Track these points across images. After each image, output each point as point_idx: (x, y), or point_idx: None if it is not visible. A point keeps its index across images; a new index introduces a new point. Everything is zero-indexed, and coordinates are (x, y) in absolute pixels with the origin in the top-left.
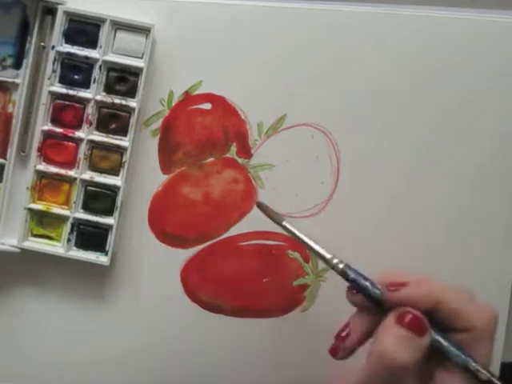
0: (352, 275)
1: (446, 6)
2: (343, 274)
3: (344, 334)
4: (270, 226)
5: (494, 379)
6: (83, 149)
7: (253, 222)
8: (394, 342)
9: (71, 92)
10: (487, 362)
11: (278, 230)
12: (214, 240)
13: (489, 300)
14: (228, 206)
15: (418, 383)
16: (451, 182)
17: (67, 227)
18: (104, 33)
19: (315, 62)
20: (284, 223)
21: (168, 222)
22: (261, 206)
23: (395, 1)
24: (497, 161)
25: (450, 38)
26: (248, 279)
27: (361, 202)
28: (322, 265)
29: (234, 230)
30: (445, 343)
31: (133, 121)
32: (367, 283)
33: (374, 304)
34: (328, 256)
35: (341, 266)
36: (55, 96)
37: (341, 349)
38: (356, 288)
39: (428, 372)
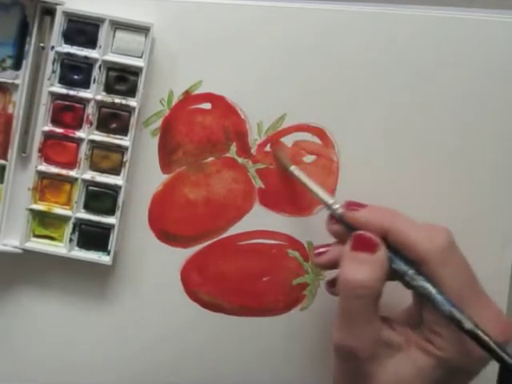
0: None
1: (445, 6)
2: (341, 218)
3: (318, 251)
4: (270, 226)
5: (477, 331)
6: (84, 149)
7: (252, 221)
8: (349, 265)
9: (71, 92)
10: (459, 290)
11: (278, 229)
12: (214, 239)
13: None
14: (228, 205)
15: (410, 324)
16: (451, 182)
17: (69, 227)
18: (103, 32)
19: (315, 62)
20: (291, 168)
21: (168, 222)
22: (277, 149)
23: (396, 1)
24: (496, 159)
25: (450, 37)
26: (248, 278)
27: None
28: None
29: (234, 230)
30: (432, 290)
31: (133, 120)
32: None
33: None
34: (330, 201)
35: (340, 211)
36: (55, 96)
37: (315, 261)
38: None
39: (418, 313)
